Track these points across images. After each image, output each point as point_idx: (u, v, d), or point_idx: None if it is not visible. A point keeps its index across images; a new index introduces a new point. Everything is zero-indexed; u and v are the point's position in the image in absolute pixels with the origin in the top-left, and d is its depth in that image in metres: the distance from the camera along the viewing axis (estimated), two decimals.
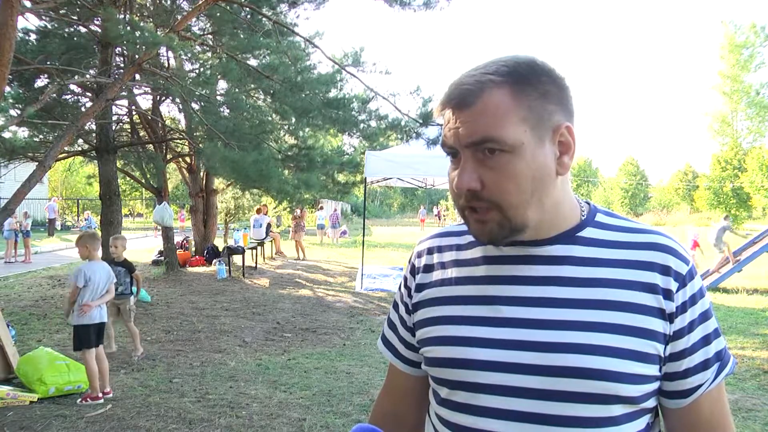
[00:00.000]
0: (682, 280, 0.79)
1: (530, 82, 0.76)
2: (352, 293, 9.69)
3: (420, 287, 0.93)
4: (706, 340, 0.80)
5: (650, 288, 0.79)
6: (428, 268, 0.93)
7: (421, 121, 7.44)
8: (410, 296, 0.95)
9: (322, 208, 22.70)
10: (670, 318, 0.78)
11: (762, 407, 4.23)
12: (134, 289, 5.76)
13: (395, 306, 1.00)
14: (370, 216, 38.83)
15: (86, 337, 4.21)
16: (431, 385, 0.91)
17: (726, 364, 0.82)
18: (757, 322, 7.42)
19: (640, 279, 0.79)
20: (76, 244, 4.46)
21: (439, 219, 36.28)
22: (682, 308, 0.79)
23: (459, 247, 0.91)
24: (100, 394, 4.19)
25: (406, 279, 0.98)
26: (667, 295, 0.78)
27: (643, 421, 0.80)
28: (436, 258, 0.93)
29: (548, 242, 0.82)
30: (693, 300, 0.80)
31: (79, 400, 4.18)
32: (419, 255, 0.96)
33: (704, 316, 0.80)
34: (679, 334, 0.79)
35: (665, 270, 0.79)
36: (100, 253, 4.60)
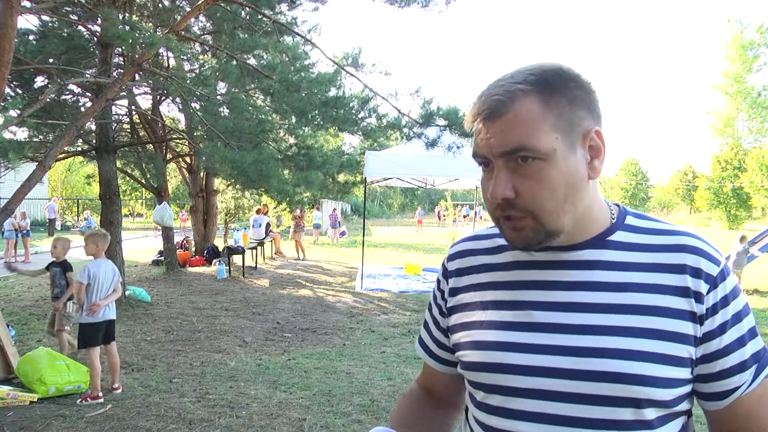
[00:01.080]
0: (713, 282, 0.79)
1: (559, 89, 0.77)
2: (352, 293, 9.69)
3: (453, 291, 0.95)
4: (740, 342, 0.80)
5: (682, 291, 0.79)
6: (460, 272, 0.95)
7: (421, 122, 7.44)
8: (444, 299, 0.97)
9: (318, 208, 22.76)
10: (700, 320, 0.78)
11: None
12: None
13: (429, 307, 1.03)
14: (370, 216, 38.81)
15: (92, 335, 4.25)
16: (468, 388, 0.92)
17: (765, 365, 0.81)
18: (757, 322, 7.41)
19: (671, 282, 0.79)
20: (86, 241, 4.49)
21: (439, 219, 36.28)
22: (713, 310, 0.79)
23: (490, 251, 0.93)
24: (100, 394, 4.20)
25: (439, 282, 1.00)
26: (698, 297, 0.78)
27: (676, 424, 0.81)
28: (468, 262, 0.95)
29: (579, 247, 0.83)
30: (725, 301, 0.79)
31: (79, 400, 4.18)
32: (451, 258, 0.98)
33: (737, 318, 0.80)
34: (709, 336, 0.78)
35: (696, 272, 0.79)
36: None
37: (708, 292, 0.78)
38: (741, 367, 0.79)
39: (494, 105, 0.77)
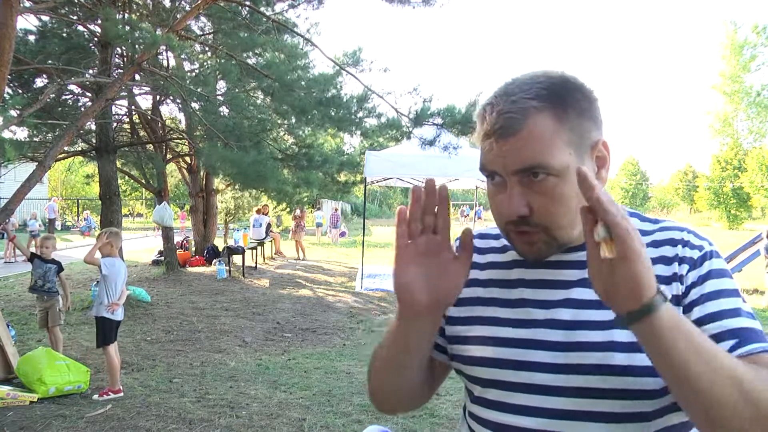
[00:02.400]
0: (693, 263, 0.81)
1: (569, 103, 0.77)
2: (352, 293, 9.68)
3: None
4: (718, 315, 0.76)
5: (667, 280, 0.81)
6: None
7: (416, 121, 7.43)
8: None
9: (319, 208, 22.78)
10: (683, 298, 0.79)
11: None
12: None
13: None
14: (370, 216, 38.81)
15: (110, 332, 4.42)
16: (465, 384, 0.94)
17: (747, 342, 0.74)
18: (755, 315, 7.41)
19: (659, 273, 0.80)
20: (98, 240, 4.65)
21: None
22: (691, 287, 0.79)
23: (495, 250, 0.95)
24: (120, 387, 4.36)
25: None
26: (681, 280, 0.80)
27: (675, 417, 0.80)
28: (473, 258, 0.95)
29: (577, 249, 0.85)
30: (704, 278, 0.80)
31: (98, 394, 4.27)
32: None
33: (717, 294, 0.78)
34: (687, 310, 0.78)
35: (678, 259, 0.81)
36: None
37: (687, 272, 0.80)
38: (716, 339, 0.74)
39: (508, 122, 0.76)
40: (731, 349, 0.74)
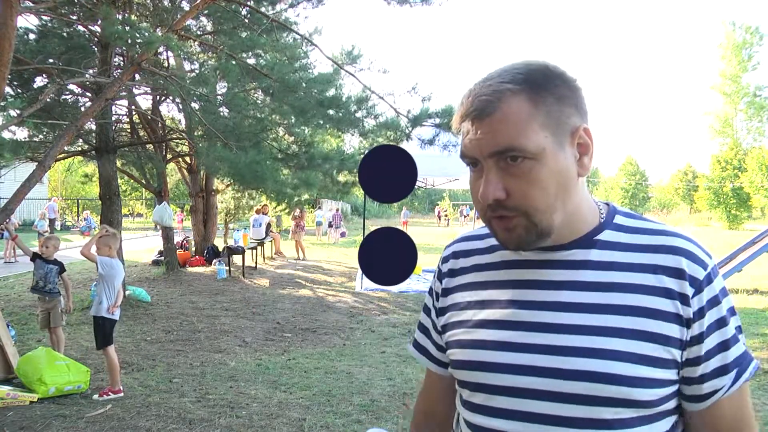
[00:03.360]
0: (699, 286, 0.78)
1: (546, 88, 0.77)
2: (352, 293, 9.68)
3: (445, 292, 0.95)
4: (723, 346, 0.79)
5: (666, 292, 0.78)
6: (452, 273, 0.95)
7: (415, 121, 7.44)
8: (437, 300, 0.98)
9: (320, 207, 22.80)
10: (687, 324, 0.78)
11: (762, 407, 4.23)
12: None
13: (426, 310, 1.02)
14: (370, 216, 38.81)
15: (110, 332, 4.44)
16: (457, 388, 0.93)
17: (745, 369, 0.81)
18: (757, 322, 7.41)
19: (656, 284, 0.79)
20: (97, 244, 4.65)
21: (439, 219, 36.22)
22: (699, 314, 0.78)
23: (481, 251, 0.93)
24: (121, 387, 4.38)
25: (433, 283, 1.00)
26: (684, 300, 0.78)
27: (663, 424, 0.80)
28: (460, 263, 0.95)
29: (567, 247, 0.83)
30: (710, 305, 0.78)
31: (98, 394, 4.28)
32: (445, 260, 0.98)
33: (721, 322, 0.79)
34: (696, 340, 0.78)
35: (683, 275, 0.78)
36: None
37: (693, 296, 0.78)
38: (722, 371, 0.79)
39: (482, 105, 0.76)
40: (735, 378, 0.80)
